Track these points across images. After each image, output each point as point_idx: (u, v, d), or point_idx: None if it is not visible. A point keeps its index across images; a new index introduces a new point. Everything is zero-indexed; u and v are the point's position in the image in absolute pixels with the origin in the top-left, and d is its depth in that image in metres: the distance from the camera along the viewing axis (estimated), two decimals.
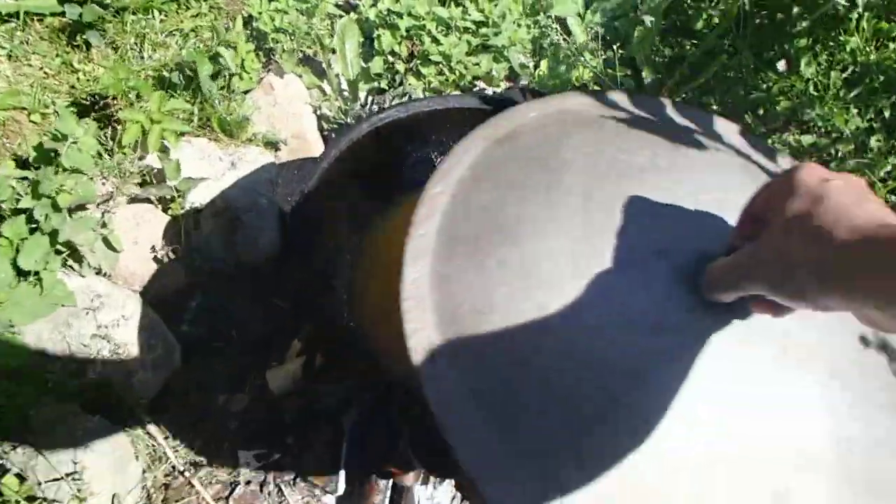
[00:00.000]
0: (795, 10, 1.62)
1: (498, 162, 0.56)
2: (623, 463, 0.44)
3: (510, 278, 0.50)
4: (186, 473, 1.02)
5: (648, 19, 1.39)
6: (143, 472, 1.01)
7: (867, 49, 1.50)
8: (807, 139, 1.50)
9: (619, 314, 0.48)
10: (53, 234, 1.01)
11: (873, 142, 1.46)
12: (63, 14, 1.37)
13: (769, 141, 1.48)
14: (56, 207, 0.99)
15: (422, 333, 0.49)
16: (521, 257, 0.50)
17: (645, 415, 0.46)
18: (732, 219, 0.51)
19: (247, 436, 1.09)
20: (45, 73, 1.35)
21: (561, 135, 0.58)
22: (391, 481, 1.01)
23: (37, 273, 1.01)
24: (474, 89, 1.43)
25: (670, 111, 0.68)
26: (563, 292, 0.49)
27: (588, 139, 0.57)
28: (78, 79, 1.34)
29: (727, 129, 0.69)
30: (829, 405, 0.48)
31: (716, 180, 0.57)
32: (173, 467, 1.03)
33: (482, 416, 0.45)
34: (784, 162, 0.68)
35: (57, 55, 1.37)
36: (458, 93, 1.33)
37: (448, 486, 1.07)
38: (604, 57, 1.38)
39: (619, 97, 0.67)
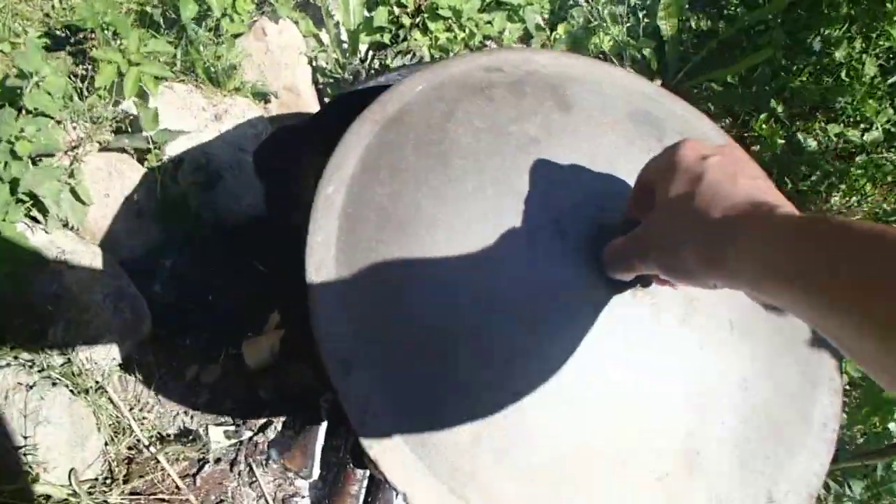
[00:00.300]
0: None
1: (389, 148, 0.54)
2: (508, 400, 0.47)
3: (411, 268, 0.50)
4: (152, 448, 0.96)
5: None
6: (105, 444, 0.95)
7: None
8: (833, 128, 1.41)
9: (516, 285, 0.49)
10: (14, 183, 0.92)
11: None
12: None
13: (794, 128, 1.39)
14: (15, 155, 0.90)
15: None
16: (421, 251, 0.50)
17: (539, 363, 0.48)
18: (626, 179, 0.52)
19: (218, 411, 1.03)
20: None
21: (448, 111, 0.56)
22: (367, 472, 0.95)
23: None
24: (485, 48, 1.32)
25: (562, 64, 0.63)
26: (462, 272, 0.49)
27: (476, 111, 0.56)
28: (53, 6, 1.22)
29: (626, 82, 0.64)
30: (732, 352, 0.52)
31: (609, 143, 0.56)
32: (138, 440, 0.96)
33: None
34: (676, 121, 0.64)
35: None
36: (466, 53, 1.22)
37: None
38: (628, 24, 1.27)
39: (505, 56, 0.63)
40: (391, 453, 0.45)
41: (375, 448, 0.45)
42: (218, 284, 1.11)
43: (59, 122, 1.01)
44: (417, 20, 1.19)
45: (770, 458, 0.51)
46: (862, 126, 1.42)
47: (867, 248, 0.29)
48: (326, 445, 0.99)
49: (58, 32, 1.18)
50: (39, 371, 0.91)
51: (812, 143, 1.38)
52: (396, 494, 0.95)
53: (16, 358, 0.91)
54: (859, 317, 0.28)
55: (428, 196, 0.51)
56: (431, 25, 1.21)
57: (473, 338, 0.48)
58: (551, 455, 0.47)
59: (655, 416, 0.49)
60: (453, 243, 0.49)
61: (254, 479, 0.99)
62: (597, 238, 0.50)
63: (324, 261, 0.49)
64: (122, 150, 1.06)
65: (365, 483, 0.96)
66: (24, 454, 0.84)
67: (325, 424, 0.99)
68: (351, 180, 0.52)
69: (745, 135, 1.40)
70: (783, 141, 1.36)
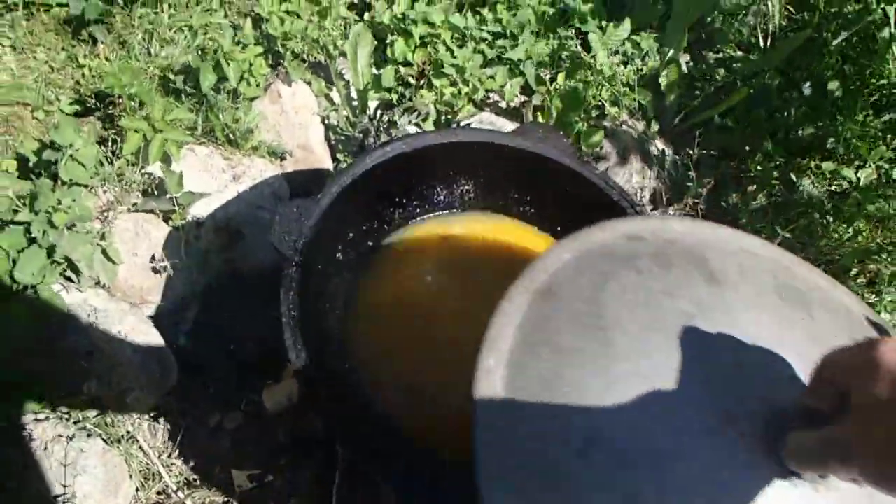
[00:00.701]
0: (827, 27, 1.55)
1: (545, 321, 0.55)
2: None
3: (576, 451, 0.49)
4: (180, 493, 1.03)
5: (671, 52, 1.34)
6: (136, 490, 1.01)
7: None
8: (828, 166, 1.46)
9: (702, 488, 0.48)
10: (50, 250, 1.00)
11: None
12: (69, 5, 1.33)
13: (789, 168, 1.44)
14: (52, 224, 0.98)
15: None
16: (586, 429, 0.49)
17: None
18: (791, 359, 0.52)
19: (240, 455, 1.09)
20: (49, 66, 1.32)
21: (600, 283, 0.57)
22: None
23: (34, 287, 1.00)
24: (488, 101, 1.38)
25: (700, 232, 0.65)
26: (636, 466, 0.48)
27: (627, 285, 0.57)
28: (83, 74, 1.31)
29: (764, 252, 0.65)
30: None
31: (763, 320, 0.56)
32: (166, 486, 1.03)
33: None
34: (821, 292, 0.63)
35: (63, 48, 1.34)
36: (470, 108, 1.29)
37: None
38: (625, 73, 1.34)
39: (644, 224, 0.65)
40: None
41: None
42: (238, 334, 1.18)
43: (90, 189, 1.09)
44: (422, 82, 1.26)
45: None
46: (856, 163, 1.46)
47: None
48: (340, 493, 1.05)
49: (88, 99, 1.26)
50: (76, 423, 0.98)
51: (806, 183, 1.43)
52: None
53: (54, 411, 0.99)
54: None
55: (590, 376, 0.52)
56: (437, 82, 1.28)
57: None
58: None
59: None
60: (620, 429, 0.49)
61: None
62: (770, 424, 0.49)
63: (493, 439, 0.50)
64: (149, 211, 1.14)
65: None
66: (64, 503, 0.91)
67: (339, 472, 1.05)
68: (510, 354, 0.53)
69: (742, 175, 1.45)
70: (777, 181, 1.41)
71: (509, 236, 1.02)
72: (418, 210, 1.02)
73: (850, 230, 1.38)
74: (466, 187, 1.02)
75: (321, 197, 0.88)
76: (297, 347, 0.80)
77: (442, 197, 1.02)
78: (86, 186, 1.07)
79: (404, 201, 1.00)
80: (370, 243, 0.99)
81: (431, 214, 1.03)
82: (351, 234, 0.96)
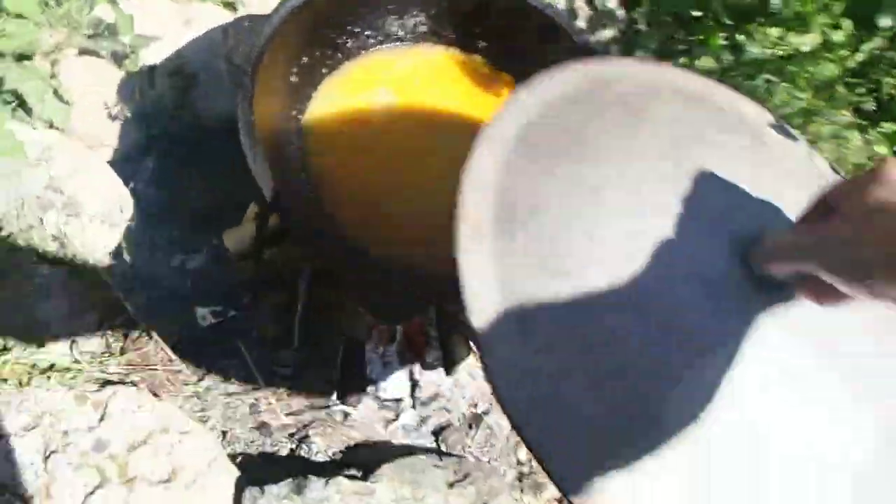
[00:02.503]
0: None
1: (588, 95, 0.58)
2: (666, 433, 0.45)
3: (575, 192, 0.51)
4: (143, 324, 1.06)
5: None
6: (100, 321, 1.04)
7: None
8: (774, 31, 1.50)
9: (680, 266, 0.49)
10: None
11: (837, 36, 1.46)
12: None
13: (737, 31, 1.48)
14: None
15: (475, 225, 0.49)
16: (594, 177, 0.52)
17: (696, 386, 0.47)
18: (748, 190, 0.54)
19: (203, 293, 1.12)
20: None
21: (653, 93, 0.60)
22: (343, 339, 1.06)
23: None
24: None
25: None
26: (625, 224, 0.50)
27: (677, 108, 0.60)
28: None
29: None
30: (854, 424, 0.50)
31: (771, 174, 0.59)
32: (130, 318, 1.06)
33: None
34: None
35: None
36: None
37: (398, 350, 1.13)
38: None
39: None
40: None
41: None
42: (196, 182, 1.19)
43: (37, 26, 1.07)
44: None
45: None
46: (801, 29, 1.51)
47: None
48: (303, 319, 1.09)
49: None
50: (37, 253, 1.00)
51: (753, 47, 1.47)
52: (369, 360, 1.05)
53: (8, 239, 1.00)
54: None
55: (615, 138, 0.55)
56: None
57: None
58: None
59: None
60: (625, 187, 0.53)
61: (239, 351, 1.09)
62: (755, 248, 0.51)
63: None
64: (100, 56, 1.12)
65: (342, 352, 1.07)
66: (31, 326, 0.94)
67: (302, 299, 1.09)
68: (546, 105, 0.56)
69: (690, 38, 1.49)
70: (726, 44, 1.45)
71: (459, 69, 1.05)
72: (371, 40, 1.03)
73: (795, 90, 1.43)
74: (419, 19, 1.03)
75: (272, 14, 0.88)
76: (253, 152, 0.82)
77: (395, 28, 1.03)
78: (32, 21, 1.05)
79: (356, 30, 1.01)
80: (324, 70, 1.00)
81: (385, 46, 1.04)
82: (304, 59, 0.97)
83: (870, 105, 1.47)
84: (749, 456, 0.47)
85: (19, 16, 1.02)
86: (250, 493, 0.90)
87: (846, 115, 1.45)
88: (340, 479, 0.93)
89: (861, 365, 0.52)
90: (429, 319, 1.08)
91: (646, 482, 0.44)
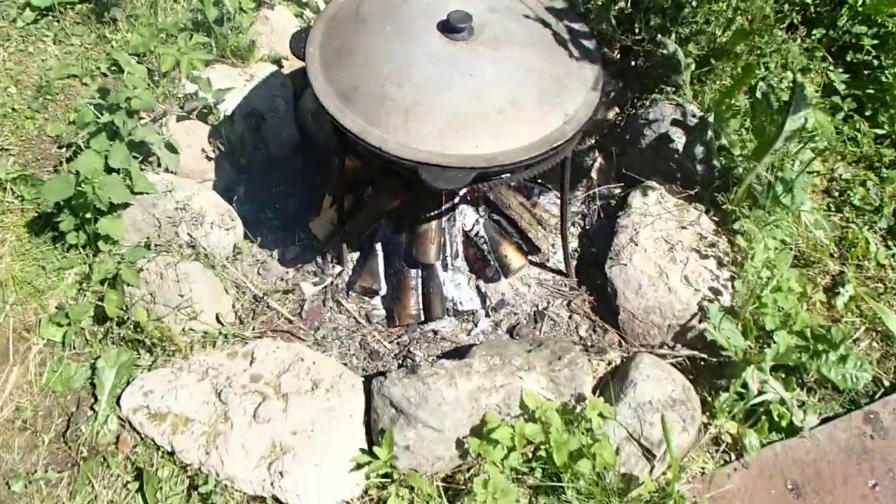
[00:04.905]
0: None
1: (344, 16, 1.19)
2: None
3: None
4: (266, 299, 1.34)
5: None
6: (233, 299, 1.33)
7: None
8: None
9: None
10: (131, 143, 1.33)
11: None
12: (89, 0, 1.70)
13: None
14: (130, 113, 1.31)
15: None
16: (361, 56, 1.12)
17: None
18: None
19: (304, 272, 1.41)
20: (84, 47, 1.68)
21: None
22: (420, 270, 1.32)
23: (126, 170, 1.33)
24: None
25: None
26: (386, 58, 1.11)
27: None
28: (112, 46, 1.67)
29: None
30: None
31: None
32: (255, 296, 1.35)
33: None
34: None
35: (91, 32, 1.70)
36: None
37: (464, 271, 1.39)
38: None
39: None
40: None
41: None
42: (279, 196, 1.51)
43: (152, 93, 1.44)
44: None
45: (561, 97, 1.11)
46: None
47: None
48: (386, 267, 1.37)
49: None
50: (179, 253, 1.30)
51: None
52: (443, 282, 1.31)
53: (156, 248, 1.31)
54: None
55: (354, 36, 1.16)
56: None
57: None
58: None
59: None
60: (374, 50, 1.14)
61: (341, 307, 1.37)
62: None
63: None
64: (192, 118, 1.48)
65: (419, 279, 1.33)
66: (184, 305, 1.23)
67: (381, 254, 1.37)
68: (324, 29, 1.15)
69: None
70: None
71: None
72: None
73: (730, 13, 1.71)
74: None
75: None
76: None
77: None
78: (146, 87, 1.41)
79: None
80: None
81: None
82: None
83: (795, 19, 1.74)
84: None
85: (136, 87, 1.38)
86: (377, 381, 1.14)
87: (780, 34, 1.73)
88: (443, 360, 1.17)
89: None
90: (482, 238, 1.35)
91: None
